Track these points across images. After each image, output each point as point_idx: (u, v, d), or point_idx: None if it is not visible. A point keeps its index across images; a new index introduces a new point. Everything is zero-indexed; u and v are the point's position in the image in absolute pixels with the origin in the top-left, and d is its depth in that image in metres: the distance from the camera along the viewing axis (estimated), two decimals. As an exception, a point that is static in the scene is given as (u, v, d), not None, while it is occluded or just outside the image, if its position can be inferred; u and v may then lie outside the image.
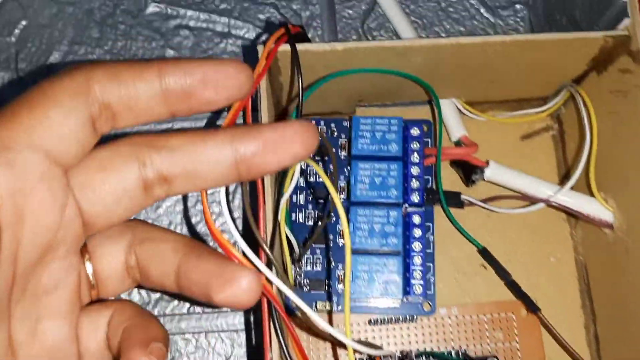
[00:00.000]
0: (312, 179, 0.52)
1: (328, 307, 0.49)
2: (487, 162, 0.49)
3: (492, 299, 0.50)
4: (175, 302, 0.50)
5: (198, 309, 0.50)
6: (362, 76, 0.45)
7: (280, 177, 0.40)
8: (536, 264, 0.51)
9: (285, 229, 0.43)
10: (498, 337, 0.48)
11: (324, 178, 0.35)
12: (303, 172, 0.52)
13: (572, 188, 0.47)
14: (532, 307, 0.47)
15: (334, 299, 0.49)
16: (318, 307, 0.49)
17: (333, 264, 0.50)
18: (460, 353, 0.45)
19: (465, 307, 0.49)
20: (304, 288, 0.49)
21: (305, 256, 0.50)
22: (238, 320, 0.50)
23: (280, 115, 0.50)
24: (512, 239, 0.51)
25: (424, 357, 0.46)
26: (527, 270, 0.50)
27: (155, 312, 0.49)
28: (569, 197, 0.47)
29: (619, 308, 0.46)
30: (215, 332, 0.49)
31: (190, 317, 0.50)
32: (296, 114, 0.40)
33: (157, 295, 0.50)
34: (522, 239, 0.51)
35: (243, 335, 0.49)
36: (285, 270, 0.46)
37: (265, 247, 0.33)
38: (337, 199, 0.35)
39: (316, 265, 0.50)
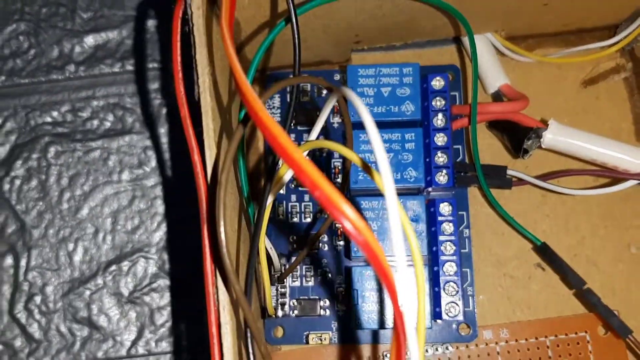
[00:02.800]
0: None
1: (324, 340, 0.35)
2: (545, 122, 0.34)
3: (556, 313, 0.35)
4: (110, 342, 0.35)
5: (142, 349, 0.35)
6: (358, 3, 0.29)
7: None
8: (611, 259, 0.36)
9: (264, 240, 0.29)
10: (568, 368, 0.34)
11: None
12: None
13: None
14: (619, 328, 0.33)
15: (332, 326, 0.35)
16: (310, 340, 0.35)
17: (330, 275, 0.36)
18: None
19: (518, 326, 0.35)
20: (291, 311, 0.35)
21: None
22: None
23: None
24: (578, 227, 0.37)
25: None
26: (599, 267, 0.36)
27: (82, 357, 0.35)
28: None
29: None
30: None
31: (134, 362, 0.35)
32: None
33: (85, 333, 0.35)
34: (593, 226, 0.37)
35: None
36: (261, 295, 0.32)
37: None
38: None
39: (306, 279, 0.36)
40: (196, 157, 0.23)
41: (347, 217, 0.17)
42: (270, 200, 0.26)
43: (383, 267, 0.18)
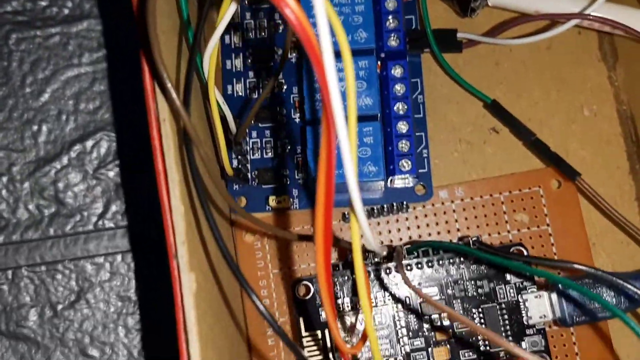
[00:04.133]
0: (251, 35, 0.37)
1: (284, 203, 0.36)
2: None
3: (510, 172, 0.36)
4: (77, 217, 0.36)
5: (110, 223, 0.36)
6: None
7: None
8: (566, 120, 0.37)
9: (216, 97, 0.29)
10: (522, 220, 0.35)
11: None
12: (238, 27, 0.38)
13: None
14: (568, 173, 0.34)
15: (294, 192, 0.36)
16: (271, 203, 0.36)
17: (289, 146, 0.36)
18: (472, 242, 0.32)
19: (473, 185, 0.36)
20: (251, 182, 0.36)
21: (251, 141, 0.36)
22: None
23: None
24: (530, 87, 0.37)
25: (420, 252, 0.33)
26: (554, 131, 0.37)
27: (51, 232, 0.36)
28: (607, 10, 0.33)
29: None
30: (137, 250, 0.36)
31: (101, 234, 0.36)
32: None
33: (53, 209, 0.36)
34: (544, 87, 0.37)
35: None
36: (218, 155, 0.32)
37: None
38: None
39: (266, 152, 0.37)
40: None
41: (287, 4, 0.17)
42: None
43: (316, 51, 0.18)
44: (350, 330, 0.32)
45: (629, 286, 0.28)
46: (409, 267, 0.33)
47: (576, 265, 0.29)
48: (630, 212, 0.36)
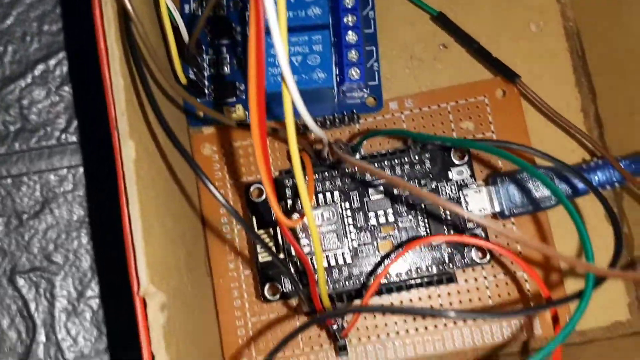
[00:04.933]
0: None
1: (241, 115, 0.37)
2: None
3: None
4: (41, 131, 0.38)
5: (73, 137, 0.38)
6: None
7: None
8: (513, 36, 0.38)
9: (167, 5, 0.31)
10: (467, 128, 0.37)
11: None
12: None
13: None
14: (508, 75, 0.35)
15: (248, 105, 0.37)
16: (224, 112, 0.37)
17: (244, 62, 0.38)
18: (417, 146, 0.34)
19: (422, 96, 0.37)
20: (208, 96, 0.37)
21: (207, 57, 0.38)
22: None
23: None
24: (478, 3, 0.39)
25: (367, 155, 0.34)
26: (501, 47, 0.38)
27: (16, 147, 0.37)
28: None
29: (622, 79, 0.34)
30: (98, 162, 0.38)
31: (64, 148, 0.38)
32: None
33: (18, 125, 0.38)
34: (492, 4, 0.39)
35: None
36: (172, 67, 0.34)
37: None
38: None
39: (222, 68, 0.38)
40: None
41: None
42: None
43: None
44: (304, 229, 0.34)
45: (570, 175, 0.29)
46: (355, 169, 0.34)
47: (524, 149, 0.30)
48: (576, 122, 0.38)
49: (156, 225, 0.26)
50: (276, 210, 0.25)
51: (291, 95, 0.23)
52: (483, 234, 0.33)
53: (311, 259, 0.32)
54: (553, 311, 0.27)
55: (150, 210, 0.25)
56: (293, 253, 0.32)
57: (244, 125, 0.36)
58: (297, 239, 0.33)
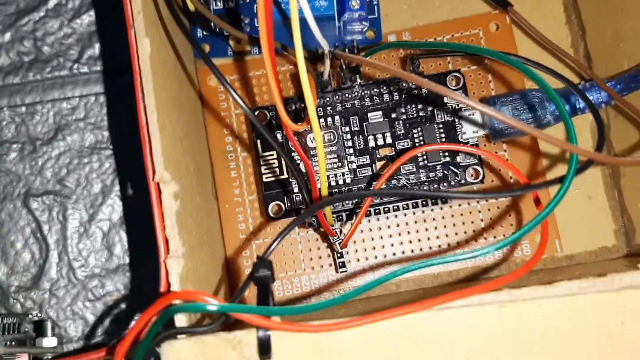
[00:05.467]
0: None
1: (242, 48, 0.39)
2: None
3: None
4: (54, 62, 0.39)
5: (84, 68, 0.39)
6: None
7: None
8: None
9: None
10: (462, 60, 0.38)
11: None
12: None
13: None
14: (501, 4, 0.37)
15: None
16: (231, 43, 0.39)
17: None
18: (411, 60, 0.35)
19: (419, 29, 0.39)
20: (214, 28, 0.39)
21: (213, -7, 0.39)
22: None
23: None
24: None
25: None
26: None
27: (30, 77, 0.39)
28: None
29: (610, 11, 0.36)
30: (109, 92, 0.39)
31: (76, 78, 0.39)
32: None
33: (32, 56, 0.39)
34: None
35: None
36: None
37: None
38: None
39: (228, 2, 0.39)
40: None
41: None
42: None
43: None
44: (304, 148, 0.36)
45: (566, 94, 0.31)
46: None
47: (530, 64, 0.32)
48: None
49: (168, 125, 0.28)
50: (283, 115, 0.26)
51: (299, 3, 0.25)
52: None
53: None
54: (535, 195, 0.29)
55: (164, 107, 0.27)
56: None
57: (248, 54, 0.38)
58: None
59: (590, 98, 0.33)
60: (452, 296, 0.23)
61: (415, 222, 0.37)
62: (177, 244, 0.25)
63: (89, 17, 0.40)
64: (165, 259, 0.25)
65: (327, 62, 0.32)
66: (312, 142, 0.35)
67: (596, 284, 0.24)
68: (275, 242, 0.26)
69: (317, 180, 0.31)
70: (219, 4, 0.39)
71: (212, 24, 0.39)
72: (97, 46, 0.40)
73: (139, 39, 0.26)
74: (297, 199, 0.35)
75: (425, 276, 0.37)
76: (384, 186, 0.33)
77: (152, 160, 0.25)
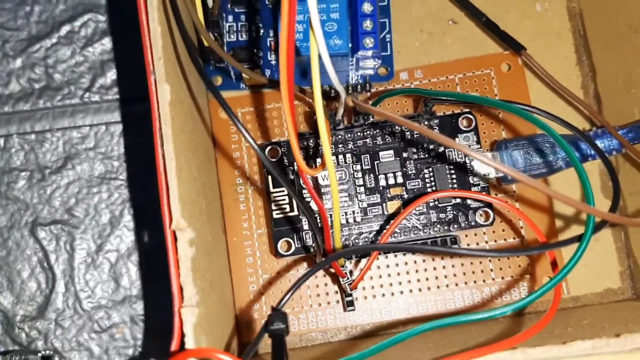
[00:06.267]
0: None
1: (254, 81, 0.39)
2: None
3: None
4: (65, 90, 0.39)
5: (96, 97, 0.39)
6: None
7: None
8: (518, 15, 0.40)
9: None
10: (474, 99, 0.39)
11: None
12: None
13: None
14: (514, 46, 0.37)
15: (266, 72, 0.39)
16: (243, 77, 0.39)
17: (262, 30, 0.39)
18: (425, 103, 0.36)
19: (431, 68, 0.39)
20: (227, 64, 0.39)
21: (227, 24, 0.39)
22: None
23: None
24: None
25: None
26: (507, 25, 0.40)
27: (40, 104, 0.39)
28: None
29: (621, 56, 0.36)
30: (120, 122, 0.39)
31: (87, 107, 0.39)
32: None
33: (43, 83, 0.39)
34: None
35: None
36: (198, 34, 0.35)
37: None
38: None
39: (241, 34, 0.40)
40: None
41: None
42: None
43: None
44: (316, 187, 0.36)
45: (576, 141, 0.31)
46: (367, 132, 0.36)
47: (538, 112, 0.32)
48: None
49: (185, 168, 0.28)
50: (298, 158, 0.27)
51: (318, 47, 0.25)
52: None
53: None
54: (552, 256, 0.29)
55: (180, 151, 0.27)
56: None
57: (261, 87, 0.38)
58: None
59: (602, 145, 0.34)
60: (466, 356, 0.23)
61: (424, 260, 0.37)
62: (192, 292, 0.25)
63: (101, 46, 0.40)
64: (180, 309, 0.25)
65: (342, 107, 0.32)
66: (324, 179, 0.35)
67: (610, 344, 0.24)
68: (289, 294, 0.26)
69: (330, 223, 0.31)
70: (232, 36, 0.39)
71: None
72: (108, 75, 0.39)
73: (159, 86, 0.26)
74: (307, 236, 0.35)
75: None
76: (397, 230, 0.33)
77: (169, 208, 0.25)
